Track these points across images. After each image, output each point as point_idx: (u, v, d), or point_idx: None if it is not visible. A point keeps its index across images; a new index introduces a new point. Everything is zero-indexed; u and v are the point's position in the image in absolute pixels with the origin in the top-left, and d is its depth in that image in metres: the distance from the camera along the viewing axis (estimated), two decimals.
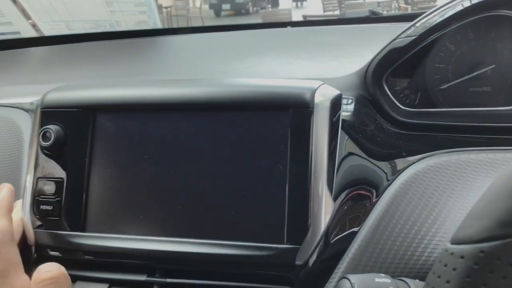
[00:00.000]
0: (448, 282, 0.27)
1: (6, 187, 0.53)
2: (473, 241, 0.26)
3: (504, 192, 0.26)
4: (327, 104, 0.52)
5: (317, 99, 0.52)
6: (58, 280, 0.45)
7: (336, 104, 0.54)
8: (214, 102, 0.54)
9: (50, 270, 0.45)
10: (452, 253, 0.27)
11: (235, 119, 0.53)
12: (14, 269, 0.46)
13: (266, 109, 0.53)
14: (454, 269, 0.27)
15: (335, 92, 0.55)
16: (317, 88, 0.53)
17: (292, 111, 0.52)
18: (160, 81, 0.62)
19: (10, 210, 0.51)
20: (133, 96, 0.56)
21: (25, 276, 0.46)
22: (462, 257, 0.26)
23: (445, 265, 0.27)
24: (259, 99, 0.53)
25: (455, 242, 0.28)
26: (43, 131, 0.56)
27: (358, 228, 0.52)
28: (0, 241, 0.46)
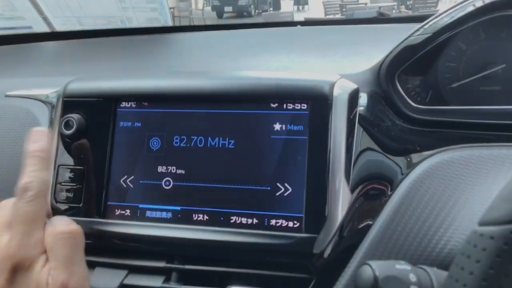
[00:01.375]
0: (478, 261, 0.28)
1: (46, 136, 0.51)
2: (503, 222, 0.27)
3: None
4: (346, 97, 0.53)
5: (336, 92, 0.53)
6: (76, 236, 0.46)
7: (353, 98, 0.55)
8: (234, 94, 0.55)
9: (66, 223, 0.46)
10: (481, 234, 0.28)
11: (255, 110, 0.54)
12: (40, 221, 0.46)
13: (286, 101, 0.54)
14: (484, 249, 0.28)
15: (353, 86, 0.56)
16: (335, 82, 0.54)
17: (311, 103, 0.53)
18: (181, 72, 0.63)
19: (50, 160, 0.51)
20: (155, 87, 0.57)
21: (42, 231, 0.46)
22: (492, 237, 0.27)
23: (475, 246, 0.28)
24: (279, 91, 0.54)
25: (483, 223, 0.29)
26: (66, 119, 0.57)
27: (373, 220, 0.53)
28: (40, 191, 0.46)
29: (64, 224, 0.47)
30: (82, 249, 0.47)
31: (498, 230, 0.27)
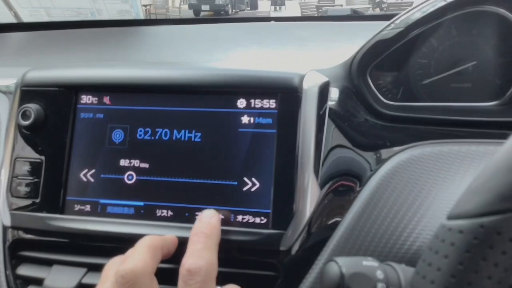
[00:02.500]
0: (446, 257, 0.27)
1: (217, 216, 0.48)
2: (472, 216, 0.26)
3: (504, 167, 0.26)
4: (316, 90, 0.52)
5: (306, 84, 0.52)
6: None
7: (324, 91, 0.54)
8: (201, 84, 0.53)
9: None
10: (450, 229, 0.27)
11: (224, 102, 0.53)
12: None
13: (255, 94, 0.52)
14: (452, 244, 0.26)
15: (323, 79, 0.55)
16: (305, 74, 0.53)
17: (281, 96, 0.51)
18: (145, 62, 0.61)
19: (218, 242, 0.46)
20: (116, 77, 0.55)
21: None
22: (461, 231, 0.26)
23: (443, 241, 0.27)
24: (248, 83, 0.52)
25: (452, 217, 0.28)
26: (23, 109, 0.54)
27: (342, 216, 0.52)
28: (208, 276, 0.42)
29: None
30: None
31: (467, 224, 0.26)
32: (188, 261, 0.42)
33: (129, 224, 0.52)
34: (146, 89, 0.54)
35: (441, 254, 0.27)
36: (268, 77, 0.52)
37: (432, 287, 0.27)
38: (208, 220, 0.47)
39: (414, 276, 0.30)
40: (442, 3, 0.61)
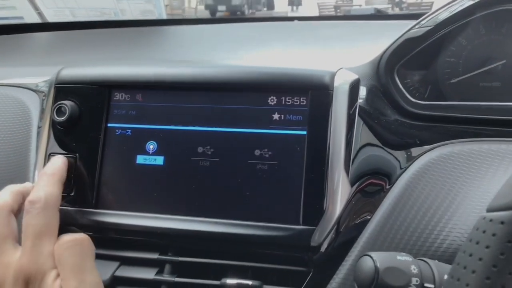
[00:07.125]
0: (487, 247, 0.27)
1: (61, 159, 0.53)
2: None
3: None
4: (347, 87, 0.52)
5: (337, 82, 0.52)
6: (82, 243, 0.45)
7: (354, 89, 0.54)
8: (234, 82, 0.54)
9: (73, 234, 0.46)
10: (491, 220, 0.27)
11: (255, 99, 0.53)
12: (50, 233, 0.45)
13: (285, 91, 0.53)
14: (493, 235, 0.27)
15: (353, 76, 0.55)
16: (336, 72, 0.53)
17: (312, 93, 0.52)
18: (178, 61, 0.62)
19: (61, 179, 0.51)
20: (149, 75, 0.56)
21: (53, 244, 0.45)
22: (502, 222, 0.27)
23: (484, 232, 0.27)
24: (280, 81, 0.53)
25: (492, 209, 0.28)
26: (58, 106, 0.55)
27: (372, 213, 0.53)
28: (48, 203, 0.46)
29: (70, 235, 0.46)
30: (91, 256, 0.46)
31: (508, 215, 0.27)
32: (30, 195, 0.47)
33: (161, 218, 0.52)
34: (178, 86, 0.55)
35: (482, 245, 0.28)
36: (299, 75, 0.53)
37: (473, 277, 0.28)
38: (53, 164, 0.52)
39: (454, 267, 0.30)
40: (470, 3, 0.61)
